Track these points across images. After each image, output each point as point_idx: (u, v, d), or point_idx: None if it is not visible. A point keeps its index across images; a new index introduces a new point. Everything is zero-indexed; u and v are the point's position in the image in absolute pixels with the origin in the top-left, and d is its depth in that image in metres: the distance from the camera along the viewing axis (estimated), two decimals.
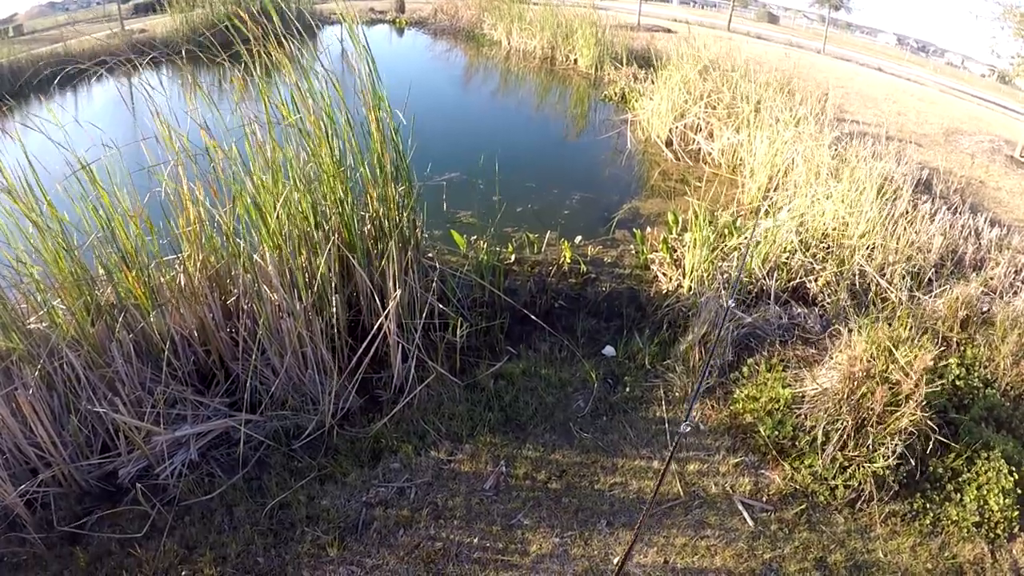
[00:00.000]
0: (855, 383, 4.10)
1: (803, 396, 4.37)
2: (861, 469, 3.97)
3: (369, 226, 4.75)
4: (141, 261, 4.19)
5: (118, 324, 3.97)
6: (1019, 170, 10.84)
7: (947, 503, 3.97)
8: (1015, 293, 6.03)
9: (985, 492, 3.93)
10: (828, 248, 6.10)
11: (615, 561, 3.49)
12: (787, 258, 5.94)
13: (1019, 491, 3.94)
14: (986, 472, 3.99)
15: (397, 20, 21.00)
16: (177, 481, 3.73)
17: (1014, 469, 3.96)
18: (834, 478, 4.01)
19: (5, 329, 3.73)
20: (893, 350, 4.17)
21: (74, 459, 3.67)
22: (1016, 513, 3.90)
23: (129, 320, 4.09)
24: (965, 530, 3.86)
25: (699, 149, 9.63)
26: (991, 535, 3.88)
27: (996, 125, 13.93)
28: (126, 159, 4.28)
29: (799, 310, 5.45)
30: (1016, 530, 3.92)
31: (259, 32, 4.30)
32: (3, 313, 3.74)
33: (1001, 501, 3.88)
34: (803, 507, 3.91)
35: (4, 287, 3.86)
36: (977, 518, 3.87)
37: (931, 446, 4.04)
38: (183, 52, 5.16)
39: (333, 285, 4.37)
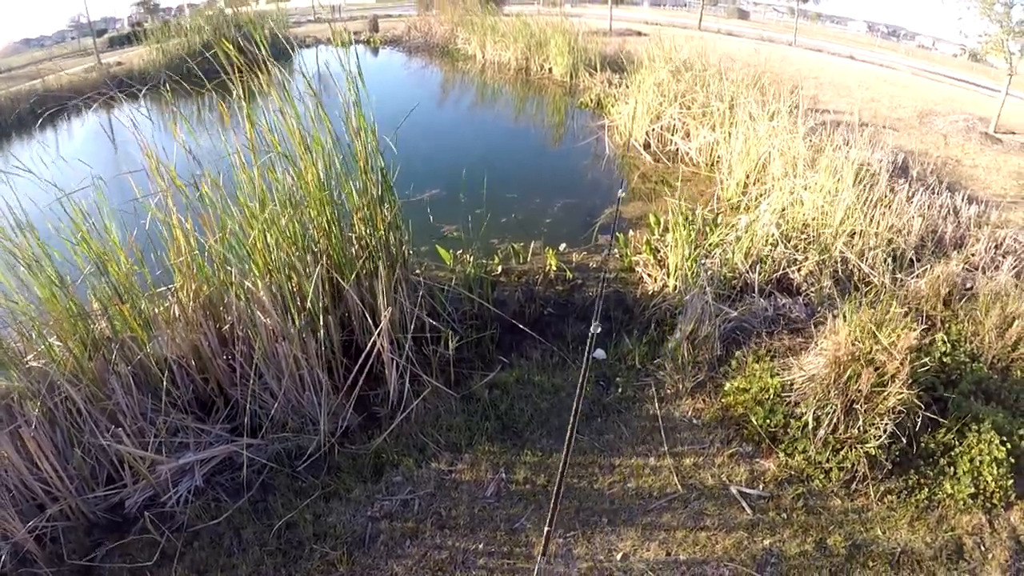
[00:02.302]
0: (841, 367, 4.19)
1: (792, 384, 4.46)
2: (854, 450, 4.06)
3: (356, 247, 4.82)
4: (134, 293, 4.25)
5: (115, 356, 4.03)
6: (994, 146, 11.01)
7: (941, 477, 4.04)
8: (996, 267, 6.14)
9: (978, 464, 4.01)
10: (809, 238, 6.21)
11: (622, 556, 3.56)
12: (769, 251, 6.05)
13: (1012, 460, 4.00)
14: (978, 444, 4.06)
15: (371, 39, 21.18)
16: (184, 508, 3.78)
17: (1005, 439, 4.04)
18: (828, 461, 4.09)
19: (4, 367, 3.78)
20: (876, 332, 4.26)
21: (80, 492, 3.71)
22: (1011, 482, 3.97)
23: (126, 352, 4.15)
24: (961, 502, 3.93)
25: (677, 150, 9.76)
26: (987, 505, 3.96)
27: (969, 104, 14.13)
28: (113, 192, 4.34)
29: (784, 300, 5.55)
30: (1013, 498, 3.99)
31: (239, 59, 4.38)
32: (1, 352, 3.80)
33: (995, 471, 3.95)
34: (799, 491, 3.99)
35: (1, 326, 3.91)
36: (972, 489, 3.94)
37: (922, 423, 4.13)
38: (163, 83, 5.22)
39: (324, 307, 4.44)
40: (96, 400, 3.87)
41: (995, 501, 3.96)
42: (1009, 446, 4.02)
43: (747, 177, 7.86)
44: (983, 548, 3.77)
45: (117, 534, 3.68)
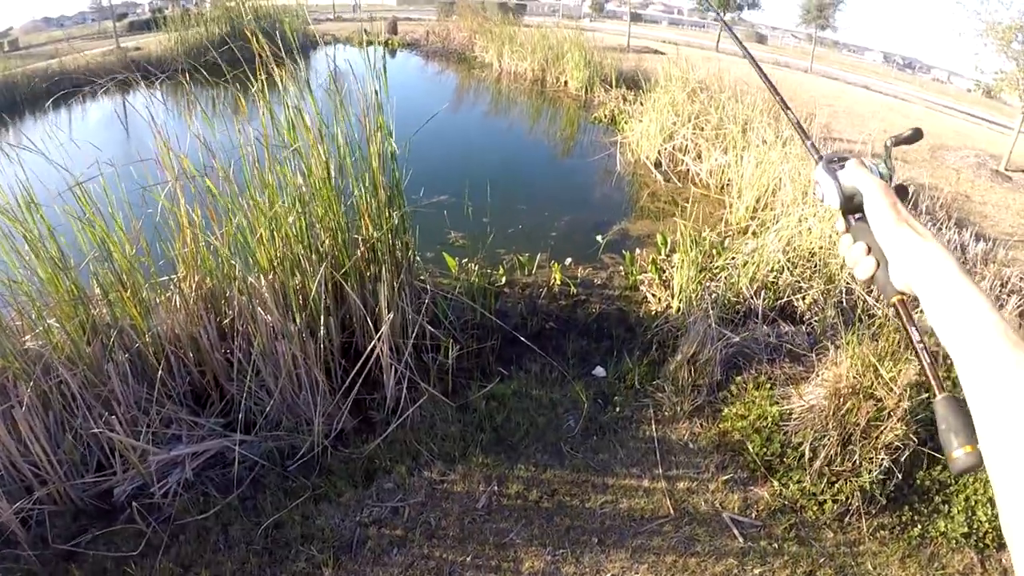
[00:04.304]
0: (840, 399, 4.17)
1: (790, 413, 4.44)
2: (848, 483, 4.03)
3: (362, 249, 4.81)
4: (136, 281, 4.24)
5: (113, 343, 4.01)
6: (1005, 184, 11.01)
7: (935, 515, 4.02)
8: (1001, 306, 6.12)
9: (973, 503, 3.99)
10: (815, 266, 6.19)
11: None
12: (775, 277, 6.04)
13: None
14: (973, 483, 4.05)
15: (389, 42, 21.24)
16: (172, 500, 3.75)
17: None
18: (822, 493, 4.06)
19: (0, 347, 3.76)
20: (878, 366, 4.24)
21: (69, 477, 3.69)
22: None
23: (125, 340, 4.14)
24: (954, 541, 3.91)
25: (688, 170, 9.76)
26: (980, 545, 3.93)
27: (981, 140, 14.15)
28: (122, 179, 4.34)
29: (787, 328, 5.52)
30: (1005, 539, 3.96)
31: (257, 52, 4.38)
32: None
33: (989, 511, 3.93)
34: (792, 522, 3.96)
35: (0, 304, 3.90)
36: (965, 529, 3.92)
37: (919, 459, 4.12)
38: (180, 71, 5.23)
39: (326, 307, 4.42)
40: (91, 386, 3.85)
41: (987, 541, 3.93)
42: None
43: (757, 202, 7.85)
44: None
45: (103, 522, 3.65)
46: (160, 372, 4.04)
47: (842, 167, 1.15)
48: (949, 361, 0.88)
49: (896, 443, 4.03)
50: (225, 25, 16.56)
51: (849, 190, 1.13)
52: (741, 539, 3.82)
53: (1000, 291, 6.49)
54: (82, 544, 3.52)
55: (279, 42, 4.49)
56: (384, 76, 4.61)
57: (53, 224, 3.98)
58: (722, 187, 9.02)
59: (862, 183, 1.10)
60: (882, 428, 4.04)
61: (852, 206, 1.13)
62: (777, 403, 4.55)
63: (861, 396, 4.14)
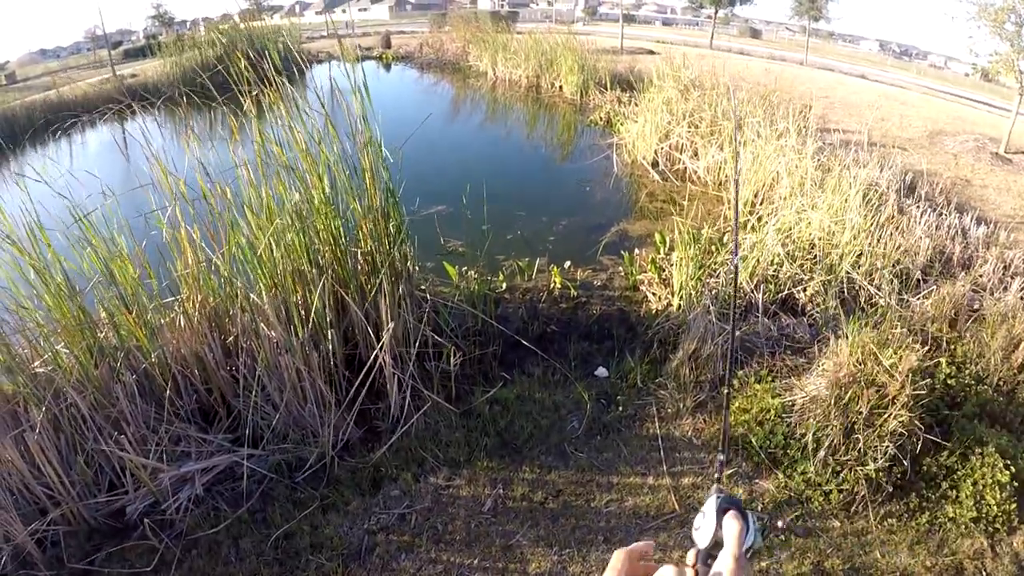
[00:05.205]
0: (842, 388, 4.17)
1: (793, 404, 4.44)
2: (853, 472, 4.03)
3: (361, 261, 4.86)
4: (141, 303, 4.31)
5: (120, 365, 4.08)
6: (1004, 166, 10.95)
7: (943, 500, 4.00)
8: (1005, 288, 6.10)
9: (981, 488, 3.96)
10: (815, 258, 6.19)
11: None
12: (775, 271, 6.04)
13: (1015, 484, 3.96)
14: (981, 467, 4.02)
15: (384, 55, 21.41)
16: (183, 516, 3.81)
17: (1009, 463, 3.99)
18: (827, 483, 4.06)
19: (11, 373, 3.84)
20: (878, 353, 4.24)
21: (82, 497, 3.75)
22: (1014, 506, 3.92)
23: (132, 361, 4.20)
24: (963, 526, 3.89)
25: (685, 168, 9.77)
26: (990, 529, 3.91)
27: (980, 123, 14.07)
28: (124, 204, 4.41)
29: (788, 321, 5.53)
30: (1016, 523, 3.93)
31: (251, 74, 4.45)
32: (9, 358, 3.86)
33: (998, 495, 3.90)
34: (798, 513, 3.96)
35: (8, 333, 3.97)
36: (974, 513, 3.89)
37: (924, 445, 4.09)
38: (178, 96, 5.30)
39: (328, 320, 4.48)
40: (100, 407, 3.92)
41: (998, 525, 3.91)
42: (1013, 470, 3.97)
43: (755, 196, 7.86)
44: (984, 573, 3.72)
45: (117, 540, 3.71)
46: (167, 391, 4.10)
47: (726, 512, 1.09)
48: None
49: (900, 430, 4.02)
50: (219, 48, 16.72)
51: (719, 538, 1.07)
52: None
53: (1003, 274, 6.46)
54: (97, 562, 3.58)
55: (273, 64, 4.56)
56: (367, 92, 4.66)
57: (57, 251, 4.06)
58: (719, 183, 9.03)
59: (729, 538, 1.06)
60: (886, 416, 4.03)
61: (713, 552, 1.08)
62: (779, 395, 4.56)
63: (863, 384, 4.14)
